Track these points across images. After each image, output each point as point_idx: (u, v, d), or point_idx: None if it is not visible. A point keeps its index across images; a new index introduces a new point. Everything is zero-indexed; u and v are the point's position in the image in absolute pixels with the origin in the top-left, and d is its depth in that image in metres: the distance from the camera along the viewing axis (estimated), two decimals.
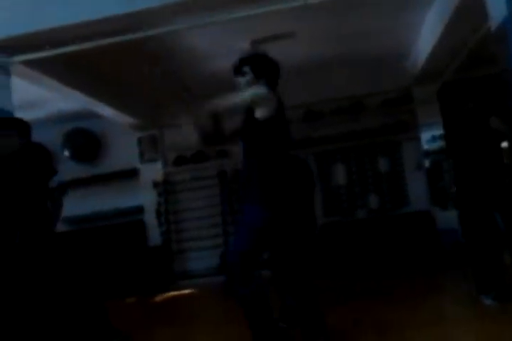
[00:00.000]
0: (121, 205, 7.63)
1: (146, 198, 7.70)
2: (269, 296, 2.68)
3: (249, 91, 2.67)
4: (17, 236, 3.30)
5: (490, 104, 3.99)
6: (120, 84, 6.32)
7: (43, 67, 5.09)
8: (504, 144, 3.92)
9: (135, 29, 4.39)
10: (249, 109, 2.70)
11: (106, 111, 6.76)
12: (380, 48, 6.23)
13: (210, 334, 3.82)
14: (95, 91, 6.16)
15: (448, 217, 6.72)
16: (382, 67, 6.67)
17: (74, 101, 6.47)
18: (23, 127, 3.54)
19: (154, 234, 7.59)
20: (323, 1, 4.30)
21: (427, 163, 7.24)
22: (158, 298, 6.50)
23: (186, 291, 6.78)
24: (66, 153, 7.89)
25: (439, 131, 6.87)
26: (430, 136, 7.19)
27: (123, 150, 7.83)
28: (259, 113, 2.62)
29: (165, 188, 7.75)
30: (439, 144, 6.98)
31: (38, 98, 6.38)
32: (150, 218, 7.67)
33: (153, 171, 7.76)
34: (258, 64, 2.78)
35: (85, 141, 7.93)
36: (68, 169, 6.92)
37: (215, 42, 5.18)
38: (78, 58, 5.11)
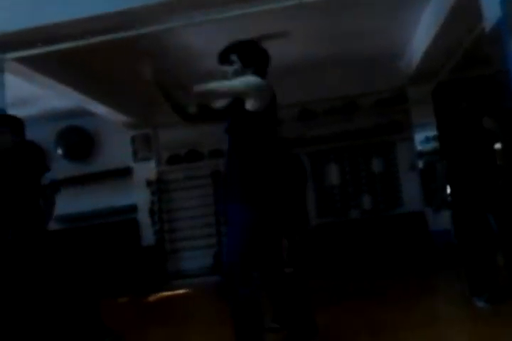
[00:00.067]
0: (114, 204, 7.60)
1: (139, 197, 7.67)
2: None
3: (241, 81, 2.46)
4: (9, 234, 3.27)
5: (484, 105, 4.00)
6: (114, 82, 6.29)
7: (37, 64, 5.05)
8: (497, 145, 3.92)
9: (128, 27, 4.37)
10: (237, 99, 2.49)
11: (99, 109, 6.73)
12: (374, 48, 6.23)
13: (204, 334, 3.80)
14: (89, 89, 6.13)
15: (441, 218, 6.74)
16: (377, 66, 6.67)
17: (67, 99, 6.44)
18: (16, 124, 3.51)
19: (148, 234, 7.57)
20: (317, 0, 4.29)
21: (420, 164, 7.25)
22: (152, 298, 6.47)
23: (180, 291, 6.76)
24: (59, 151, 7.84)
25: (432, 132, 6.87)
26: (424, 137, 7.20)
27: (116, 148, 7.79)
28: (252, 104, 2.43)
29: (158, 187, 7.72)
30: (433, 145, 6.98)
31: (31, 95, 6.34)
32: (143, 217, 7.64)
33: (146, 170, 7.72)
34: (246, 52, 2.58)
35: (78, 139, 7.90)
36: (61, 167, 6.87)
37: (210, 41, 5.13)
38: (72, 56, 5.08)
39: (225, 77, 2.56)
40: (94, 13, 4.16)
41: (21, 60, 4.77)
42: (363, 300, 4.42)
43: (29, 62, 4.90)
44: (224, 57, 2.58)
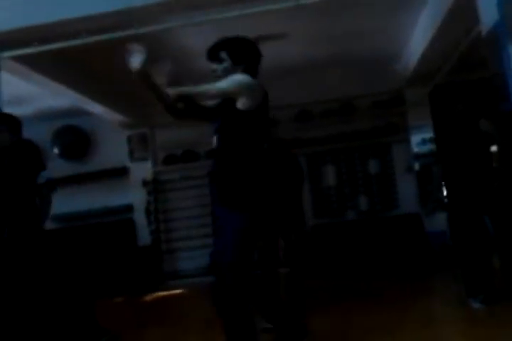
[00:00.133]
0: (110, 203, 7.59)
1: (135, 197, 7.66)
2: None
3: (229, 82, 2.34)
4: (5, 232, 3.26)
5: (480, 107, 4.02)
6: (111, 81, 6.27)
7: (33, 62, 5.04)
8: (493, 148, 3.93)
9: (126, 27, 4.36)
10: (228, 98, 2.38)
11: (96, 108, 6.72)
12: (372, 50, 6.24)
13: (200, 334, 3.80)
14: (85, 88, 6.12)
15: (437, 220, 6.76)
16: (374, 68, 6.69)
17: (63, 98, 6.42)
18: (13, 123, 3.51)
19: (144, 234, 7.55)
20: (315, 1, 4.30)
21: (416, 166, 7.27)
22: (148, 298, 6.46)
23: (176, 291, 6.75)
24: (55, 150, 7.82)
25: (429, 134, 6.89)
26: (420, 139, 7.22)
27: (113, 148, 7.77)
28: (243, 103, 2.33)
29: (154, 187, 7.71)
30: (429, 147, 7.01)
31: (28, 94, 6.32)
32: (139, 217, 7.63)
33: (143, 170, 7.71)
34: (237, 49, 2.46)
35: (75, 139, 7.88)
36: (57, 166, 6.84)
37: (209, 41, 5.16)
38: (69, 55, 5.07)
39: (214, 75, 2.46)
40: (91, 13, 4.15)
41: (18, 59, 4.75)
42: (360, 301, 4.43)
43: (26, 60, 4.88)
44: (213, 54, 2.47)
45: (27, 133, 3.65)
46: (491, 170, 3.79)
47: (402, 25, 5.73)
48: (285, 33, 5.46)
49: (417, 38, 5.96)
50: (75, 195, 7.35)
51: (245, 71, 2.40)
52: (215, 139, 2.43)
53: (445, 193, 4.20)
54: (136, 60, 2.26)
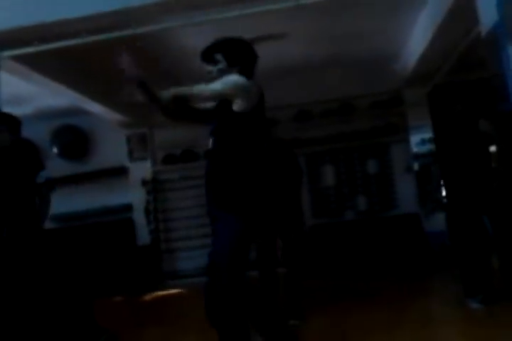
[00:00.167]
0: (109, 203, 7.58)
1: (134, 196, 7.65)
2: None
3: (223, 83, 2.29)
4: (4, 232, 3.26)
5: (479, 108, 4.02)
6: (110, 81, 6.26)
7: (32, 62, 5.03)
8: (492, 148, 3.94)
9: (124, 26, 4.36)
10: (224, 100, 2.34)
11: (95, 108, 6.71)
12: (371, 50, 6.24)
13: (199, 334, 3.80)
14: (85, 87, 6.11)
15: (436, 220, 6.77)
16: (374, 68, 6.69)
17: (63, 98, 6.41)
18: (13, 122, 3.51)
19: (143, 233, 7.55)
20: (315, 1, 4.30)
21: (415, 166, 7.27)
22: (147, 298, 6.46)
23: (175, 291, 6.75)
24: (54, 149, 7.82)
25: (428, 134, 6.90)
26: (419, 139, 7.23)
27: (112, 147, 7.77)
28: (238, 105, 2.28)
29: (154, 187, 7.71)
30: (428, 147, 7.01)
31: (27, 93, 6.32)
32: (139, 216, 7.62)
33: (142, 169, 7.71)
34: (232, 50, 2.42)
35: (74, 138, 7.87)
36: (56, 166, 6.84)
37: (209, 41, 5.16)
38: (68, 54, 5.07)
39: (210, 76, 2.42)
40: (90, 12, 4.15)
41: (17, 58, 4.75)
42: (359, 301, 4.43)
43: (25, 60, 4.88)
44: (208, 56, 2.43)
45: (26, 132, 3.65)
46: (490, 170, 3.79)
47: (402, 25, 5.73)
48: (284, 33, 5.46)
49: (417, 38, 5.96)
50: (74, 195, 7.34)
51: (241, 72, 2.37)
52: (210, 141, 2.40)
53: (444, 193, 4.20)
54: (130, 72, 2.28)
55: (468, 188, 3.81)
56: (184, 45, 5.40)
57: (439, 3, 4.78)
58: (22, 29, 4.24)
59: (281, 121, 6.97)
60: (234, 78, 2.31)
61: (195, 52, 2.60)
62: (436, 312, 3.93)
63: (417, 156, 7.25)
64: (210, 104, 2.48)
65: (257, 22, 4.83)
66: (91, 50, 4.83)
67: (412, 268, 6.23)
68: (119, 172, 7.69)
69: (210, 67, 2.43)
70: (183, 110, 2.49)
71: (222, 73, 2.37)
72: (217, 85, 2.30)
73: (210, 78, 2.40)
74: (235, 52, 2.42)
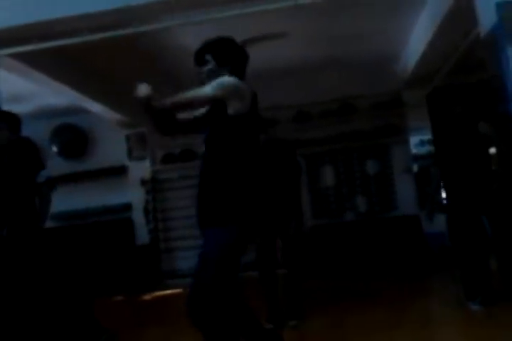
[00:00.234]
0: (108, 202, 7.57)
1: (134, 196, 7.65)
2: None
3: (213, 86, 2.17)
4: (4, 231, 3.26)
5: (479, 110, 4.02)
6: (111, 80, 6.27)
7: (32, 60, 5.03)
8: (492, 150, 3.94)
9: (125, 25, 4.35)
10: (216, 105, 2.21)
11: (94, 107, 6.70)
12: (371, 51, 6.24)
13: (198, 334, 3.79)
14: (84, 86, 6.10)
15: (435, 221, 6.76)
16: (373, 69, 6.69)
17: (62, 96, 6.40)
18: (13, 121, 3.50)
19: (142, 233, 7.55)
20: (314, 1, 4.30)
21: (415, 168, 7.27)
22: (146, 297, 6.46)
23: (174, 291, 6.74)
24: (54, 148, 7.81)
25: (427, 136, 6.90)
26: (418, 140, 7.23)
27: (111, 146, 7.76)
28: (233, 108, 2.16)
29: (153, 186, 7.71)
30: (428, 149, 7.01)
31: (26, 92, 6.31)
32: (138, 216, 7.62)
33: (141, 169, 7.71)
34: (221, 50, 2.34)
35: (73, 137, 7.86)
36: (56, 165, 6.84)
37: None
38: (68, 53, 5.07)
39: (200, 77, 2.34)
40: (91, 10, 4.14)
41: (17, 56, 4.74)
42: (358, 302, 4.44)
43: (24, 58, 4.87)
44: (200, 59, 2.35)
45: (25, 131, 3.65)
46: (490, 172, 3.80)
47: (401, 26, 5.73)
48: (284, 31, 5.46)
49: (416, 39, 5.97)
50: (73, 194, 7.33)
51: (231, 72, 2.29)
52: (204, 149, 2.27)
53: (444, 195, 4.20)
54: (142, 89, 2.18)
55: (468, 190, 3.81)
56: (183, 44, 5.40)
57: (439, 5, 4.78)
58: (22, 27, 4.23)
59: (281, 122, 6.96)
60: (225, 79, 2.21)
61: (193, 51, 2.58)
62: (435, 313, 3.94)
63: (416, 158, 7.25)
64: (199, 112, 2.36)
65: (257, 22, 4.83)
66: (91, 49, 4.83)
67: (411, 269, 6.23)
68: (118, 172, 7.68)
69: (201, 69, 2.35)
70: (172, 123, 2.39)
71: (212, 74, 2.29)
72: (207, 88, 2.19)
73: (201, 80, 2.33)
74: (225, 52, 2.34)
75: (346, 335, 3.30)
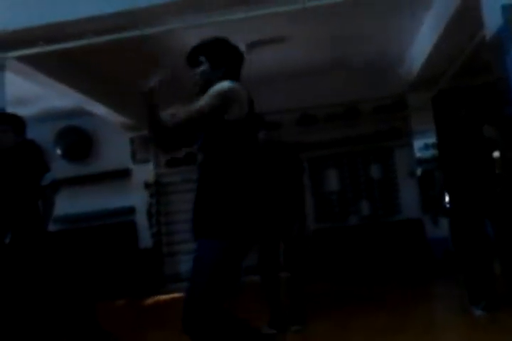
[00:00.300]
0: (112, 206, 7.57)
1: (137, 199, 7.65)
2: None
3: (213, 92, 2.07)
4: (8, 236, 3.25)
5: (484, 113, 4.00)
6: (116, 82, 6.28)
7: (38, 63, 5.05)
8: (496, 153, 3.92)
9: (130, 28, 4.37)
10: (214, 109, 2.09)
11: (99, 109, 6.72)
12: (375, 54, 6.25)
13: None
14: (90, 89, 6.12)
15: (439, 226, 6.74)
16: (378, 73, 6.69)
17: (67, 99, 6.43)
18: (18, 123, 3.50)
19: (145, 236, 7.54)
20: (321, 4, 4.30)
21: (419, 171, 7.25)
22: (149, 301, 6.45)
23: (177, 294, 6.72)
24: (58, 151, 7.83)
25: (431, 139, 6.88)
26: (423, 144, 7.20)
27: (115, 149, 7.77)
28: (231, 113, 2.06)
29: (156, 189, 7.70)
30: (432, 152, 6.98)
31: (31, 94, 6.33)
32: (141, 219, 7.61)
33: (145, 172, 7.71)
34: (215, 52, 2.23)
35: (77, 139, 7.87)
36: (60, 168, 6.85)
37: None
38: (73, 55, 5.09)
39: (193, 79, 2.23)
40: (96, 13, 4.16)
41: (22, 59, 4.76)
42: (361, 306, 4.42)
43: (30, 61, 4.89)
44: (193, 60, 2.25)
45: (30, 133, 3.65)
46: (494, 175, 3.77)
47: (406, 29, 5.73)
48: (286, 36, 5.46)
49: (421, 42, 5.96)
50: (76, 197, 7.34)
51: (226, 74, 2.19)
52: (200, 157, 2.16)
53: (447, 199, 4.18)
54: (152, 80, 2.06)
55: (472, 194, 3.79)
56: (187, 46, 5.41)
57: (444, 7, 4.78)
58: (27, 30, 4.26)
59: (285, 125, 6.96)
60: (218, 87, 2.08)
61: None
62: (439, 318, 3.91)
63: (420, 161, 7.22)
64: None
65: (261, 25, 4.84)
66: (96, 52, 4.85)
67: (414, 273, 6.20)
68: (122, 175, 7.68)
69: (195, 71, 2.23)
70: (174, 141, 2.24)
71: (206, 75, 2.20)
72: (202, 102, 2.06)
73: (194, 82, 2.23)
74: (219, 54, 2.23)
75: (349, 338, 3.28)
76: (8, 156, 3.38)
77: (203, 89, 2.15)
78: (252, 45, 5.46)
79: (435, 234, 6.82)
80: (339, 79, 6.73)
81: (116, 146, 7.78)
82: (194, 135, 2.17)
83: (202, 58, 2.21)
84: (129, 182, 7.70)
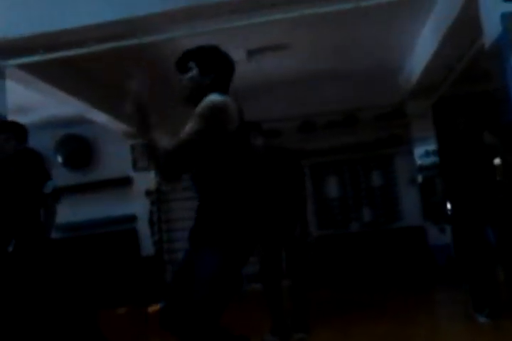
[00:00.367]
0: (113, 213, 7.55)
1: (138, 207, 7.63)
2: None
3: (196, 118, 1.99)
4: (11, 244, 3.24)
5: (484, 120, 4.01)
6: (117, 90, 6.28)
7: (38, 71, 5.06)
8: (497, 161, 3.93)
9: (130, 36, 4.38)
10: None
11: (100, 117, 6.72)
12: (375, 62, 6.25)
13: None
14: (90, 96, 6.13)
15: (441, 233, 6.73)
16: (377, 80, 6.70)
17: (67, 107, 6.42)
18: (20, 131, 3.51)
19: (147, 244, 7.51)
20: (320, 12, 4.31)
21: (420, 179, 7.25)
22: (151, 309, 6.41)
23: None
24: (59, 159, 7.83)
25: (432, 146, 6.89)
26: (423, 151, 7.21)
27: (116, 157, 7.76)
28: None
29: (158, 197, 7.69)
30: (433, 159, 6.99)
31: (31, 102, 6.34)
32: (143, 227, 7.60)
33: (146, 180, 7.70)
34: (204, 58, 2.19)
35: (78, 147, 7.88)
36: (61, 176, 6.85)
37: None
38: (74, 63, 5.10)
39: (181, 84, 2.20)
40: (96, 21, 4.17)
41: (23, 67, 4.77)
42: (363, 313, 4.40)
43: (31, 69, 4.90)
44: (182, 66, 2.21)
45: (30, 141, 3.65)
46: (495, 182, 3.77)
47: (405, 37, 5.74)
48: (286, 44, 5.48)
49: (420, 50, 5.97)
50: (78, 205, 7.32)
51: (214, 81, 2.15)
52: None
53: (449, 206, 4.17)
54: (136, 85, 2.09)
55: (474, 201, 3.78)
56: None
57: (443, 15, 4.79)
58: (28, 38, 4.26)
59: (286, 132, 6.97)
60: (202, 107, 2.00)
61: None
62: (442, 325, 3.89)
63: (421, 168, 7.22)
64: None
65: (259, 33, 4.86)
66: (97, 59, 4.86)
67: (416, 280, 6.17)
68: (123, 183, 7.67)
69: (183, 77, 2.19)
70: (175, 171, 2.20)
71: (194, 81, 2.16)
72: (188, 129, 2.00)
73: (182, 87, 2.20)
74: (209, 60, 2.19)
75: None
76: (10, 164, 3.38)
77: (192, 96, 2.14)
78: (253, 53, 5.48)
79: (438, 241, 6.81)
80: (340, 87, 6.74)
81: (117, 154, 7.77)
82: (195, 157, 2.09)
83: (191, 64, 2.17)
84: (130, 190, 7.69)
